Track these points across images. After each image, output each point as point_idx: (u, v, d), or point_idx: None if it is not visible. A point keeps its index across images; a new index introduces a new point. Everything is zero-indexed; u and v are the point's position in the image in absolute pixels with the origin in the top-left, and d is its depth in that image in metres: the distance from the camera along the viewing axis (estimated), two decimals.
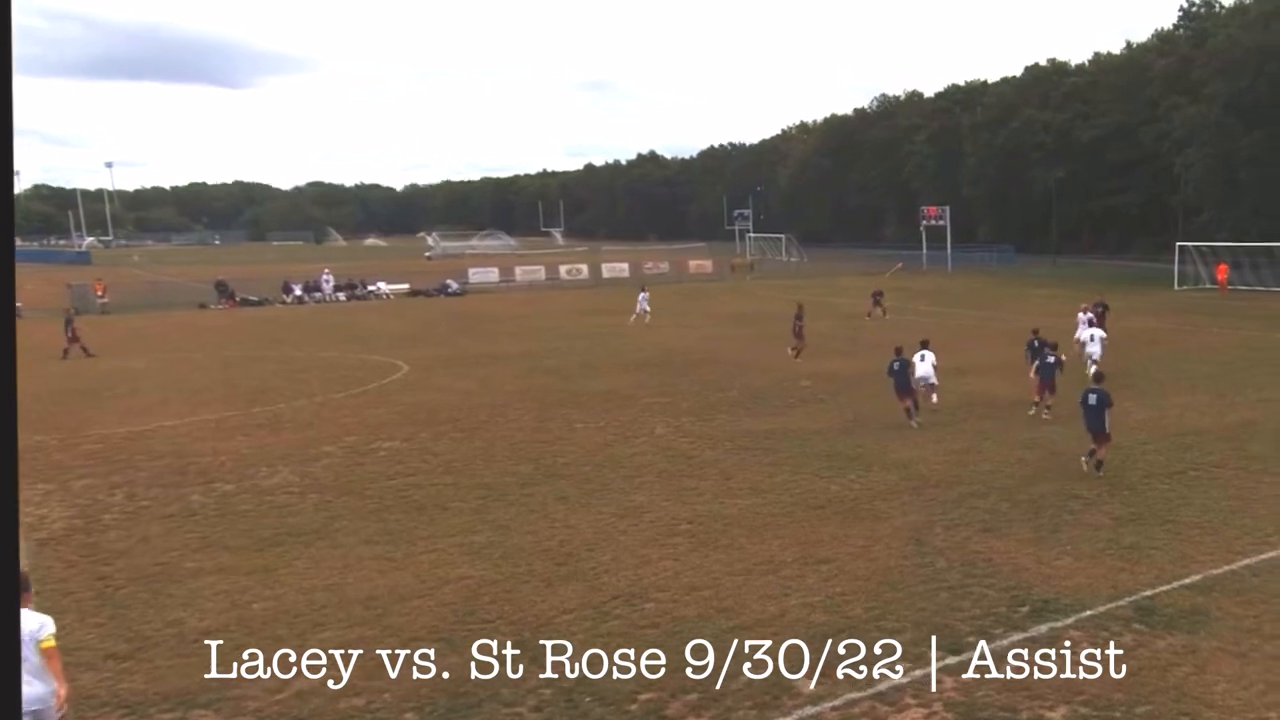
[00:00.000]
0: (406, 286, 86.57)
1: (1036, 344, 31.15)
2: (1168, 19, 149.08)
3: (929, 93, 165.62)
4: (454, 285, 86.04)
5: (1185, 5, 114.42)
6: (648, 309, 57.18)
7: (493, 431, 28.10)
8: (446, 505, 20.82)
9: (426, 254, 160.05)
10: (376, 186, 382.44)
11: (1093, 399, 22.25)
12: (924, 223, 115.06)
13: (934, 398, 29.55)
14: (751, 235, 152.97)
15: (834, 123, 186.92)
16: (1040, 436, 25.98)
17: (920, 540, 17.97)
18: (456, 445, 26.43)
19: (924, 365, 29.50)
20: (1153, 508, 19.70)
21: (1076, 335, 37.61)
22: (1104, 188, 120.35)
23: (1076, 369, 32.65)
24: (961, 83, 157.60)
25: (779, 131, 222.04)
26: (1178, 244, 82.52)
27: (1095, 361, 32.90)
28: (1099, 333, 35.34)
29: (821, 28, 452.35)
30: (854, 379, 35.62)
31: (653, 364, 40.86)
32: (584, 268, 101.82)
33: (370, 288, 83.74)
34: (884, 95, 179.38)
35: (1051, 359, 28.47)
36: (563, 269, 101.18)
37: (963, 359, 38.99)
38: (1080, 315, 40.18)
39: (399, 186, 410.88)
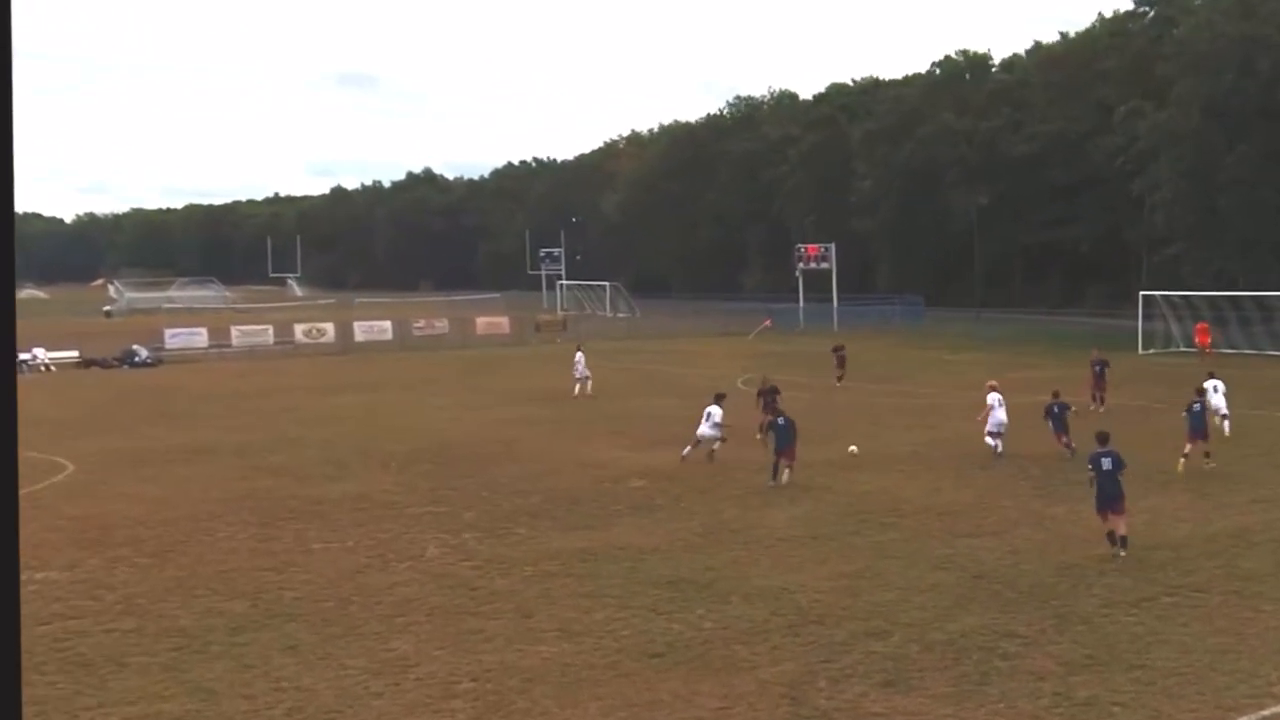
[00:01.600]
0: (76, 354, 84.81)
1: (1056, 409, 38.47)
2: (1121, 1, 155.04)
3: (806, 93, 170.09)
4: (144, 353, 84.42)
5: None
6: (587, 374, 58.94)
7: (193, 555, 27.38)
8: (124, 661, 20.08)
9: (106, 309, 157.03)
10: (36, 217, 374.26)
11: (1107, 463, 22.03)
12: (801, 265, 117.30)
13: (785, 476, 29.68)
14: (565, 283, 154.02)
15: (678, 133, 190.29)
16: (959, 553, 26.16)
17: (797, 699, 17.71)
18: (141, 575, 25.69)
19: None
20: (1115, 648, 19.80)
21: (987, 422, 39.29)
22: (1043, 217, 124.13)
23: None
24: (850, 81, 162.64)
25: (603, 144, 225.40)
26: (1141, 293, 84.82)
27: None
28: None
29: (660, 6, 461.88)
30: (704, 476, 35.58)
31: (424, 459, 40.42)
32: (329, 328, 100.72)
33: (23, 356, 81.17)
34: (745, 97, 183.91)
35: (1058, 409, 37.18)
36: (299, 330, 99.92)
37: (855, 449, 39.29)
38: (991, 396, 40.25)
39: (68, 217, 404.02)
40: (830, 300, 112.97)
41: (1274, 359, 71.71)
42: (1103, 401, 50.09)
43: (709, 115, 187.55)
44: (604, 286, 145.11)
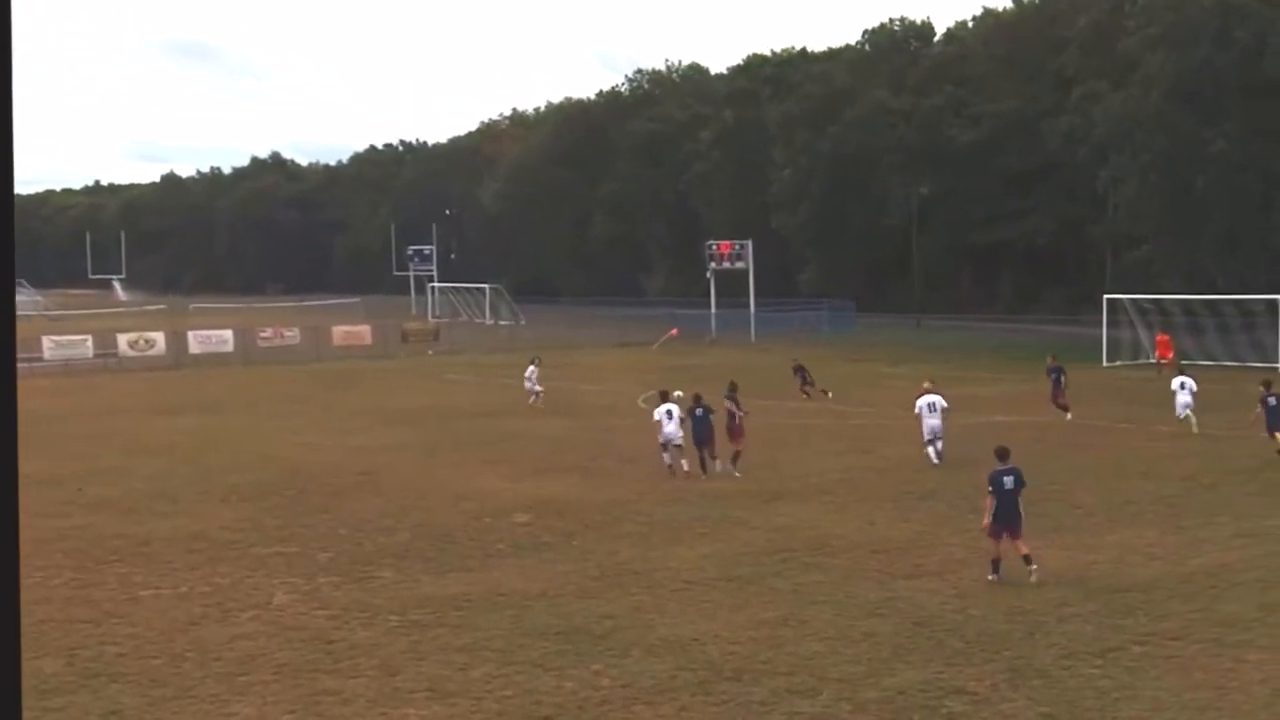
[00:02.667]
0: None
1: (1274, 401, 43.45)
2: None
3: (718, 67, 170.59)
4: None
5: None
6: (539, 389, 60.70)
7: None
8: None
9: None
10: None
11: (1009, 481, 24.70)
12: (713, 265, 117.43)
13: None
14: (437, 285, 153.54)
15: (569, 112, 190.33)
16: (897, 597, 26.23)
17: None
18: None
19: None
20: (1078, 706, 19.90)
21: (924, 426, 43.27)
22: (993, 211, 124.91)
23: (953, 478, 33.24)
24: (769, 52, 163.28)
25: (481, 125, 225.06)
26: (1105, 297, 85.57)
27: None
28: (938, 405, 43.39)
29: None
30: (599, 509, 35.63)
31: (272, 491, 40.18)
32: (159, 338, 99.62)
33: None
34: (648, 71, 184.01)
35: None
36: (124, 340, 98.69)
37: (775, 476, 39.40)
38: (921, 401, 43.50)
39: None
40: (747, 305, 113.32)
41: (1258, 372, 72.25)
42: (1067, 409, 52.84)
43: (605, 92, 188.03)
44: (483, 290, 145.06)
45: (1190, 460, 43.93)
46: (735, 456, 41.32)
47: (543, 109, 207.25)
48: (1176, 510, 34.88)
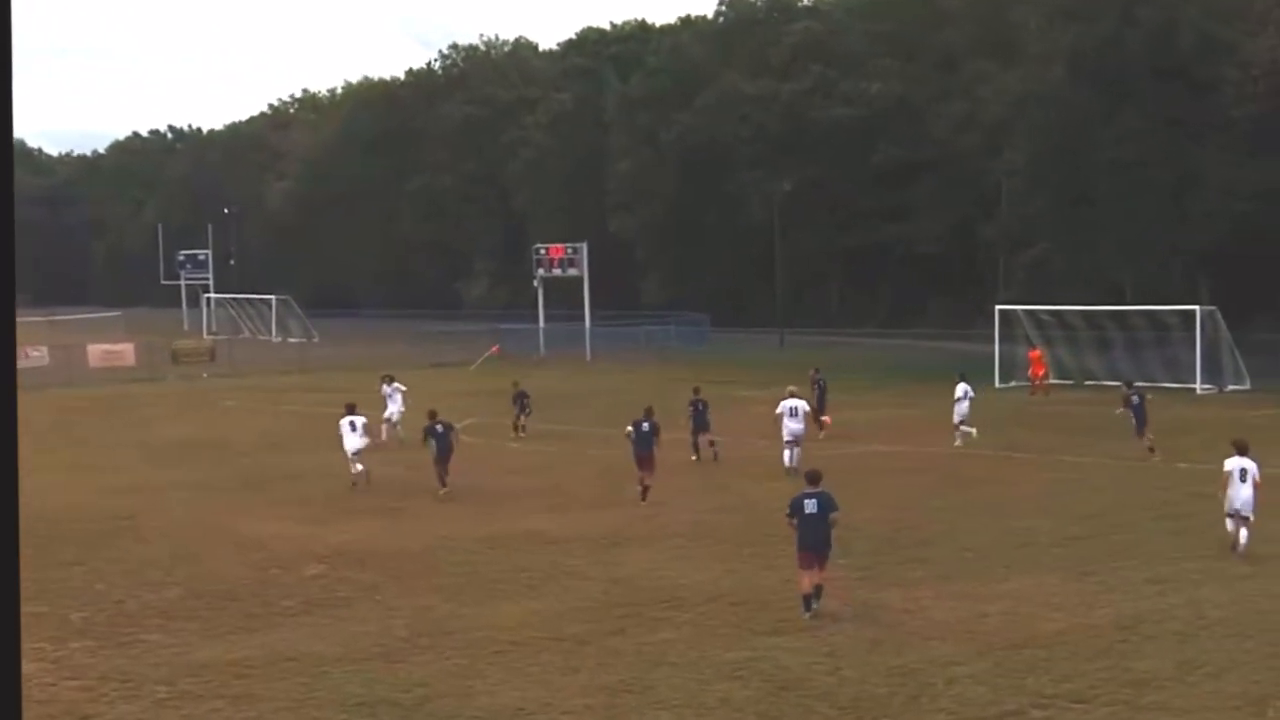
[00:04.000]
0: None
1: (1136, 399, 49.75)
2: None
3: (548, 42, 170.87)
4: None
5: None
6: (399, 412, 60.31)
7: None
8: None
9: None
10: None
11: (811, 505, 26.80)
12: (541, 273, 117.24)
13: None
14: (213, 296, 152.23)
15: (371, 94, 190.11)
16: (758, 657, 26.23)
17: None
18: None
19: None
20: None
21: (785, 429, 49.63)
22: (869, 210, 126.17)
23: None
24: (607, 25, 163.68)
25: (268, 109, 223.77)
26: (998, 307, 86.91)
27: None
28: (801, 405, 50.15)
29: None
30: (408, 558, 35.56)
31: None
32: None
33: None
34: (465, 46, 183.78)
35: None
36: None
37: (615, 517, 39.37)
38: (783, 404, 49.95)
39: None
40: (582, 319, 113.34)
41: (1172, 393, 73.08)
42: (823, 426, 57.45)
43: (414, 70, 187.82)
44: (268, 301, 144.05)
45: (1096, 495, 44.41)
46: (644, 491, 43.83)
47: (340, 90, 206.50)
48: (1081, 553, 35.17)
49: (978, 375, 77.63)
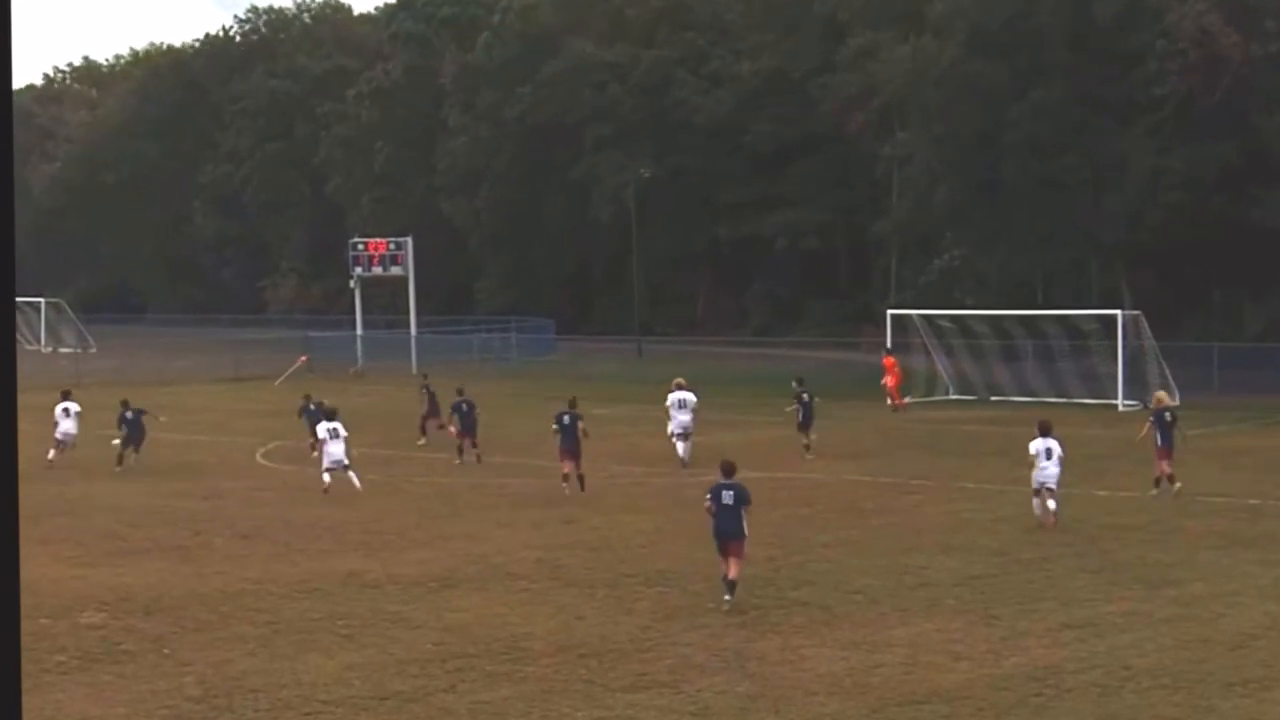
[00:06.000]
0: None
1: (1169, 416, 50.21)
2: None
3: (369, 4, 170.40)
4: None
5: None
6: (73, 433, 59.44)
7: None
8: None
9: None
10: None
11: (728, 496, 30.70)
12: (359, 271, 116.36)
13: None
14: None
15: (158, 64, 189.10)
16: (615, 716, 26.14)
17: None
18: None
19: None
20: None
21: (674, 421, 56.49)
22: (741, 201, 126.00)
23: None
24: None
25: (39, 82, 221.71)
26: (889, 311, 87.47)
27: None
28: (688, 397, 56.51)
29: None
30: (203, 604, 35.07)
31: None
32: None
33: None
34: (267, 9, 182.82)
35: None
36: None
37: (445, 555, 39.23)
38: (672, 397, 56.56)
39: None
40: (407, 325, 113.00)
41: (1091, 410, 73.52)
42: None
43: (209, 36, 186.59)
44: (35, 305, 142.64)
45: (1004, 528, 44.58)
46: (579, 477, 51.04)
47: (123, 59, 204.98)
48: (987, 595, 35.28)
49: (866, 390, 78.17)
